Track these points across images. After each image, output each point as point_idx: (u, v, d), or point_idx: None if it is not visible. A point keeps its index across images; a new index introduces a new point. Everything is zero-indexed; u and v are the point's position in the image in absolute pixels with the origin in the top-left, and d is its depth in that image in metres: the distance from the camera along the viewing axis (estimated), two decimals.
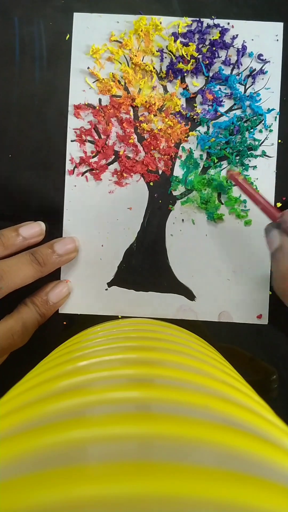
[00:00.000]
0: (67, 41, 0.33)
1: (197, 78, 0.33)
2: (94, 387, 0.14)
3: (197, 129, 0.33)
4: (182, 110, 0.33)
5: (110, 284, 0.33)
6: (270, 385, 0.32)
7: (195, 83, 0.33)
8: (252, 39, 0.33)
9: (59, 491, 0.09)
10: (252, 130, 0.33)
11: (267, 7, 0.33)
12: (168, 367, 0.16)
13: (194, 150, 0.33)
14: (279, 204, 0.33)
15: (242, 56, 0.33)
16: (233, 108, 0.33)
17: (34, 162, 0.33)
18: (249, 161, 0.33)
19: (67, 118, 0.33)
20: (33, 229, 0.31)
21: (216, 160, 0.33)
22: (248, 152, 0.33)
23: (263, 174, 0.33)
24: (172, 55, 0.33)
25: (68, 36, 0.33)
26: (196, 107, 0.33)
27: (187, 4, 0.33)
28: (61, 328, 0.33)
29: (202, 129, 0.33)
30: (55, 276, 0.33)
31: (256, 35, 0.33)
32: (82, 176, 0.33)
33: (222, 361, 0.23)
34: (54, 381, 0.15)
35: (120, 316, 0.33)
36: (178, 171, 0.33)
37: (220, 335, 0.33)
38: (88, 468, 0.09)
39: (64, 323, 0.33)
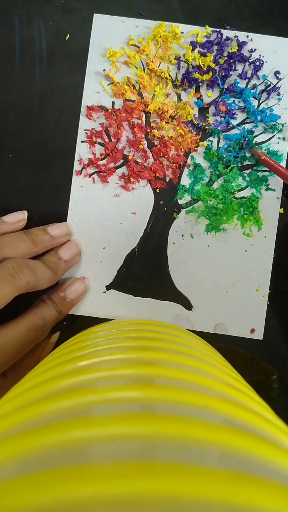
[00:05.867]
0: (67, 41, 0.33)
1: (212, 89, 0.33)
2: (95, 387, 0.14)
3: (208, 139, 0.33)
4: (194, 120, 0.33)
5: (108, 287, 0.33)
6: (270, 385, 0.32)
7: (210, 93, 0.33)
8: (270, 55, 0.33)
9: (62, 491, 0.09)
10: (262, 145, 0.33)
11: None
12: (168, 367, 0.16)
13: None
14: (281, 211, 0.33)
15: (258, 70, 0.33)
16: (245, 121, 0.33)
17: (34, 162, 0.33)
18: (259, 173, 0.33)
19: (68, 117, 0.33)
20: (61, 229, 0.32)
21: (224, 172, 0.33)
22: (257, 167, 0.33)
23: (269, 190, 0.33)
24: (189, 64, 0.33)
25: (68, 36, 0.33)
26: (208, 117, 0.33)
27: (187, 4, 0.33)
28: (61, 328, 0.33)
29: (212, 139, 0.33)
30: None
31: (274, 51, 0.33)
32: (89, 177, 0.33)
33: (222, 361, 0.23)
34: (54, 381, 0.15)
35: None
36: (186, 180, 0.33)
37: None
38: (91, 467, 0.09)
39: (64, 323, 0.33)
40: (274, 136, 0.33)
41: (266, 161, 0.31)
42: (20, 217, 0.31)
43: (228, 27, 0.33)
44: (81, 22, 0.33)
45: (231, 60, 0.33)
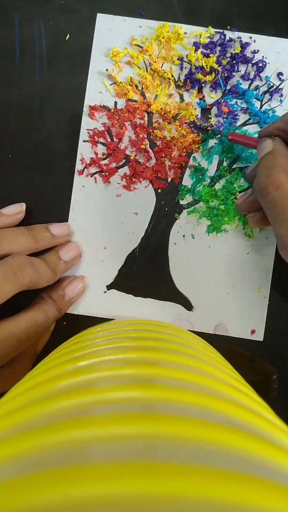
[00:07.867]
0: (67, 41, 0.33)
1: (215, 91, 0.33)
2: (95, 387, 0.14)
3: (210, 140, 0.33)
4: (196, 120, 0.33)
5: (109, 287, 0.33)
6: (270, 385, 0.32)
7: (212, 94, 0.33)
8: (273, 56, 0.33)
9: (62, 491, 0.09)
10: None
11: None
12: (168, 367, 0.17)
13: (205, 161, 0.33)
14: None
15: (261, 72, 0.33)
16: (247, 122, 0.33)
17: (35, 162, 0.33)
18: None
19: (68, 117, 0.33)
20: (62, 228, 0.32)
21: (225, 174, 0.33)
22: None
23: None
24: (192, 65, 0.33)
25: (68, 36, 0.33)
26: (210, 118, 0.33)
27: (187, 5, 0.33)
28: (61, 328, 0.33)
29: (214, 141, 0.33)
30: None
31: (277, 52, 0.33)
32: (91, 177, 0.33)
33: (222, 361, 0.23)
34: (54, 381, 0.15)
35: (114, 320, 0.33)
36: (187, 181, 0.33)
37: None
38: (91, 467, 0.09)
39: (64, 323, 0.33)
40: None
41: (234, 140, 0.31)
42: (18, 209, 0.32)
43: (228, 27, 0.33)
44: (81, 22, 0.33)
45: (234, 61, 0.33)
